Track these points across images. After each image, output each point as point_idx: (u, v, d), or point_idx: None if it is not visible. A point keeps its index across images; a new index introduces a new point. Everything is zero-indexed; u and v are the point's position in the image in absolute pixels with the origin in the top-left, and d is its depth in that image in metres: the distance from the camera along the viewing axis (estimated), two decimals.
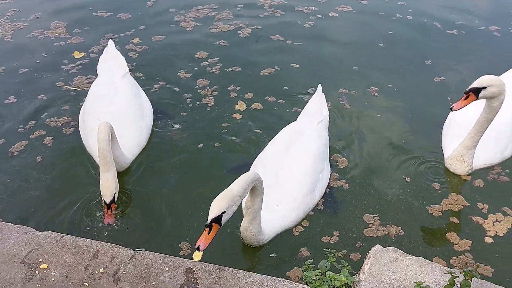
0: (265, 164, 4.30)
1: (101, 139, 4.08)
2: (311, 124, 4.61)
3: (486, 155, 4.59)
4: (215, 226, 3.26)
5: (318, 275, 3.29)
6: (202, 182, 4.55)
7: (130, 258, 3.35)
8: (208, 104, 5.54)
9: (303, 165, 4.22)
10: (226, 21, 7.20)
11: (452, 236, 4.05)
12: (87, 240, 3.51)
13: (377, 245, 3.48)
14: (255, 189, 3.55)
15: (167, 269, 3.27)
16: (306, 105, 5.01)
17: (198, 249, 3.20)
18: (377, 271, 3.27)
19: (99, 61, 5.56)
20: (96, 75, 5.47)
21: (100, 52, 6.17)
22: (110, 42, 5.76)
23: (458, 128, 4.70)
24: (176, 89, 5.79)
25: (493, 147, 4.60)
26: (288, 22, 7.17)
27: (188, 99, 5.60)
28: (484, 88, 4.02)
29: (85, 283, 3.18)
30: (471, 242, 4.00)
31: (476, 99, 4.09)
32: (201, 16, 7.32)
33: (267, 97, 5.65)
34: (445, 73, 6.05)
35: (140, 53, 6.48)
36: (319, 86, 5.11)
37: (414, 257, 3.37)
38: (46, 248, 3.42)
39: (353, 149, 4.96)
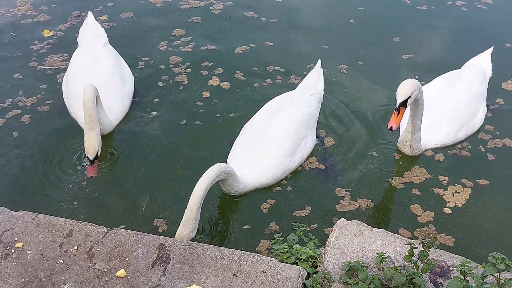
0: (252, 125, 4.62)
1: (86, 99, 4.34)
2: (304, 95, 4.84)
3: (439, 136, 4.72)
4: None
5: (286, 248, 3.44)
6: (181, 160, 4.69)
7: (104, 236, 3.44)
8: (183, 82, 5.58)
9: (287, 128, 4.50)
10: None
11: (415, 208, 4.25)
12: (61, 219, 3.57)
13: (342, 219, 3.64)
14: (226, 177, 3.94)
15: (140, 245, 3.36)
16: (304, 78, 5.22)
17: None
18: (342, 244, 3.44)
19: (79, 32, 5.71)
20: (67, 52, 5.59)
21: (68, 29, 6.18)
22: (90, 14, 5.85)
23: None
24: (150, 67, 5.79)
25: (447, 128, 4.73)
26: None
27: (164, 77, 5.63)
28: (409, 97, 4.10)
29: (60, 261, 3.26)
30: (433, 213, 4.20)
31: (406, 108, 4.15)
32: None
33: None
34: (414, 50, 6.16)
35: (109, 30, 6.38)
36: (319, 61, 5.29)
37: (377, 230, 3.55)
38: (20, 227, 3.47)
39: (321, 125, 5.09)
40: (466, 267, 2.69)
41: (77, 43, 5.71)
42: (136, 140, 4.89)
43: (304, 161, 4.64)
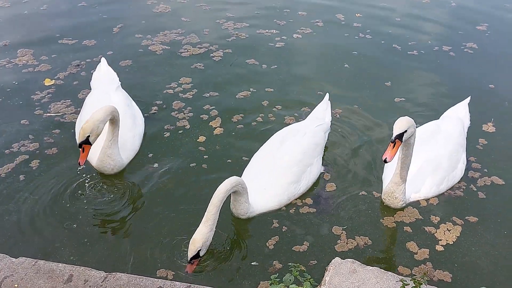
0: (261, 153, 4.92)
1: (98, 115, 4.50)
2: (311, 125, 5.12)
3: (422, 189, 4.77)
4: (195, 260, 3.91)
5: None
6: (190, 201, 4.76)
7: (103, 280, 3.50)
8: (185, 126, 5.74)
9: (292, 156, 4.75)
10: (194, 44, 7.47)
11: (411, 245, 4.33)
12: (60, 264, 3.64)
13: (337, 258, 3.72)
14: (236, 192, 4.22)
15: None
16: (313, 110, 5.54)
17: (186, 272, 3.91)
18: (337, 282, 3.51)
19: (92, 77, 5.96)
20: (69, 98, 5.93)
21: (67, 78, 6.45)
22: (103, 59, 6.13)
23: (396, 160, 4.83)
24: (153, 111, 5.98)
25: (429, 181, 4.78)
26: (256, 45, 7.52)
27: (166, 126, 5.75)
28: (405, 131, 4.24)
29: None
30: (428, 250, 4.27)
31: (401, 142, 4.27)
32: (168, 40, 7.56)
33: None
34: (405, 94, 6.41)
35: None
36: (327, 94, 5.58)
37: (371, 268, 3.63)
38: (20, 274, 3.53)
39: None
40: None
41: (77, 90, 5.92)
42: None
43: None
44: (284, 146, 4.82)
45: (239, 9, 8.65)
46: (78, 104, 5.92)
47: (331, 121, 5.42)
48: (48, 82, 6.43)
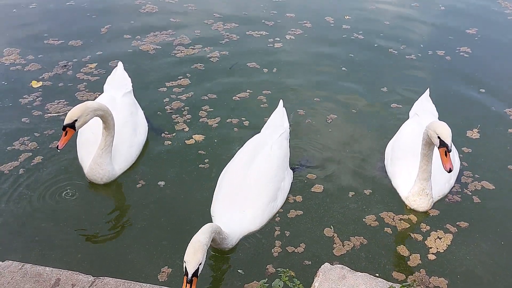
0: (232, 173, 4.64)
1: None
2: (274, 135, 4.97)
3: (438, 187, 4.78)
4: (195, 280, 3.32)
5: None
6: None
7: (91, 285, 3.46)
8: (184, 129, 5.69)
9: (266, 174, 4.59)
10: (187, 45, 7.43)
11: (402, 249, 4.34)
12: (47, 268, 3.59)
13: (326, 263, 3.71)
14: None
15: None
16: (269, 119, 5.38)
17: None
18: None
19: (106, 80, 5.81)
20: (61, 99, 5.85)
21: (53, 78, 6.43)
22: (119, 63, 5.99)
23: (404, 164, 4.88)
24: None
25: (441, 178, 4.78)
26: (250, 46, 7.51)
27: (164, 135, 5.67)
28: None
29: None
30: (419, 255, 4.28)
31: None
32: (158, 41, 7.52)
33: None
34: (401, 99, 6.42)
35: (98, 77, 6.55)
36: (281, 101, 5.49)
37: (360, 274, 3.62)
38: (7, 278, 3.48)
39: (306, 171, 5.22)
40: None
41: (69, 91, 5.87)
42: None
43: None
44: (254, 164, 4.60)
45: (226, 9, 8.65)
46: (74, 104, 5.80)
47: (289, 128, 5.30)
48: (35, 84, 6.35)
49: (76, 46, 7.31)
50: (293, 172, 5.06)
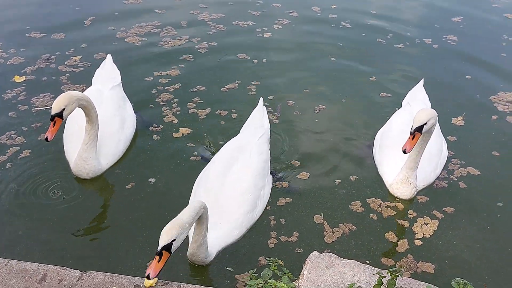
0: (207, 181, 4.39)
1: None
2: (253, 138, 4.74)
3: (424, 175, 4.82)
4: (165, 254, 3.27)
5: (260, 283, 3.49)
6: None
7: (78, 279, 3.44)
8: (173, 122, 5.65)
9: (244, 183, 4.35)
10: (173, 36, 7.37)
11: (390, 236, 4.38)
12: (33, 264, 3.56)
13: (315, 252, 3.73)
14: (201, 217, 3.63)
15: (114, 287, 3.38)
16: (248, 118, 5.21)
17: (148, 277, 3.22)
18: (315, 276, 3.52)
19: (95, 74, 5.70)
20: (44, 92, 5.81)
21: (36, 72, 6.35)
22: (108, 56, 5.89)
23: (392, 152, 4.90)
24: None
25: (427, 167, 4.83)
26: (239, 37, 7.45)
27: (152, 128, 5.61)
28: (425, 123, 4.27)
29: None
30: (407, 241, 4.33)
31: (421, 134, 4.31)
32: (143, 32, 7.45)
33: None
34: (390, 88, 6.42)
35: (83, 70, 6.47)
36: (261, 99, 5.34)
37: (348, 261, 3.65)
38: None
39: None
40: None
41: (47, 84, 5.77)
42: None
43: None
44: (232, 172, 4.37)
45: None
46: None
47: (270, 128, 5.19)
48: (18, 79, 6.26)
49: (59, 39, 7.20)
50: (273, 177, 4.86)
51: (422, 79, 5.82)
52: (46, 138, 4.24)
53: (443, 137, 5.28)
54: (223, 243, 4.16)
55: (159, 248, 3.25)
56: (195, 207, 3.51)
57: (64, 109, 4.28)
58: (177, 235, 3.29)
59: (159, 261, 3.24)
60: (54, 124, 4.28)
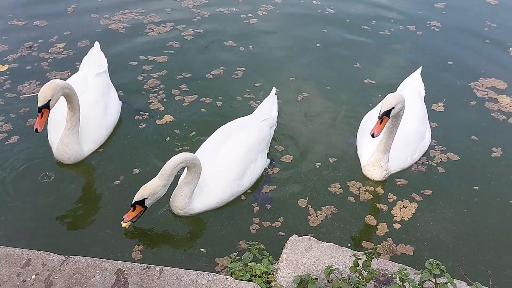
0: (203, 149, 4.66)
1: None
2: (256, 120, 4.95)
3: (398, 161, 4.93)
4: (138, 207, 4.01)
5: (241, 266, 3.58)
6: None
7: (62, 264, 3.50)
8: (159, 108, 5.68)
9: (236, 152, 4.56)
10: (158, 23, 7.36)
11: (370, 219, 4.48)
12: (17, 249, 3.60)
13: (294, 235, 3.82)
14: (190, 167, 4.15)
15: (98, 271, 3.44)
16: (259, 105, 5.38)
17: (123, 220, 4.03)
18: (294, 259, 3.61)
19: (82, 60, 5.74)
20: (33, 79, 5.84)
21: (19, 60, 6.35)
22: (96, 43, 5.89)
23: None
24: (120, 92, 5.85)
25: (403, 152, 4.94)
26: (227, 24, 7.46)
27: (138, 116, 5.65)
28: (393, 108, 4.36)
29: None
30: (386, 224, 4.43)
31: (389, 118, 4.42)
32: (127, 19, 7.43)
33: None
34: (374, 75, 6.49)
35: (67, 58, 6.47)
36: (274, 88, 5.46)
37: (326, 244, 3.74)
38: None
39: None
40: (403, 273, 2.90)
41: (32, 72, 5.74)
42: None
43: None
44: (227, 143, 4.61)
45: None
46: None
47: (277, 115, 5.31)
48: (1, 67, 6.25)
49: (41, 26, 7.16)
50: (271, 163, 5.00)
51: (420, 67, 5.87)
52: (36, 130, 4.33)
53: (428, 124, 5.36)
54: (203, 206, 4.40)
55: (132, 202, 4.00)
56: (175, 160, 4.04)
57: (50, 99, 4.34)
58: (148, 195, 3.98)
59: (133, 211, 4.02)
60: (42, 115, 4.35)
